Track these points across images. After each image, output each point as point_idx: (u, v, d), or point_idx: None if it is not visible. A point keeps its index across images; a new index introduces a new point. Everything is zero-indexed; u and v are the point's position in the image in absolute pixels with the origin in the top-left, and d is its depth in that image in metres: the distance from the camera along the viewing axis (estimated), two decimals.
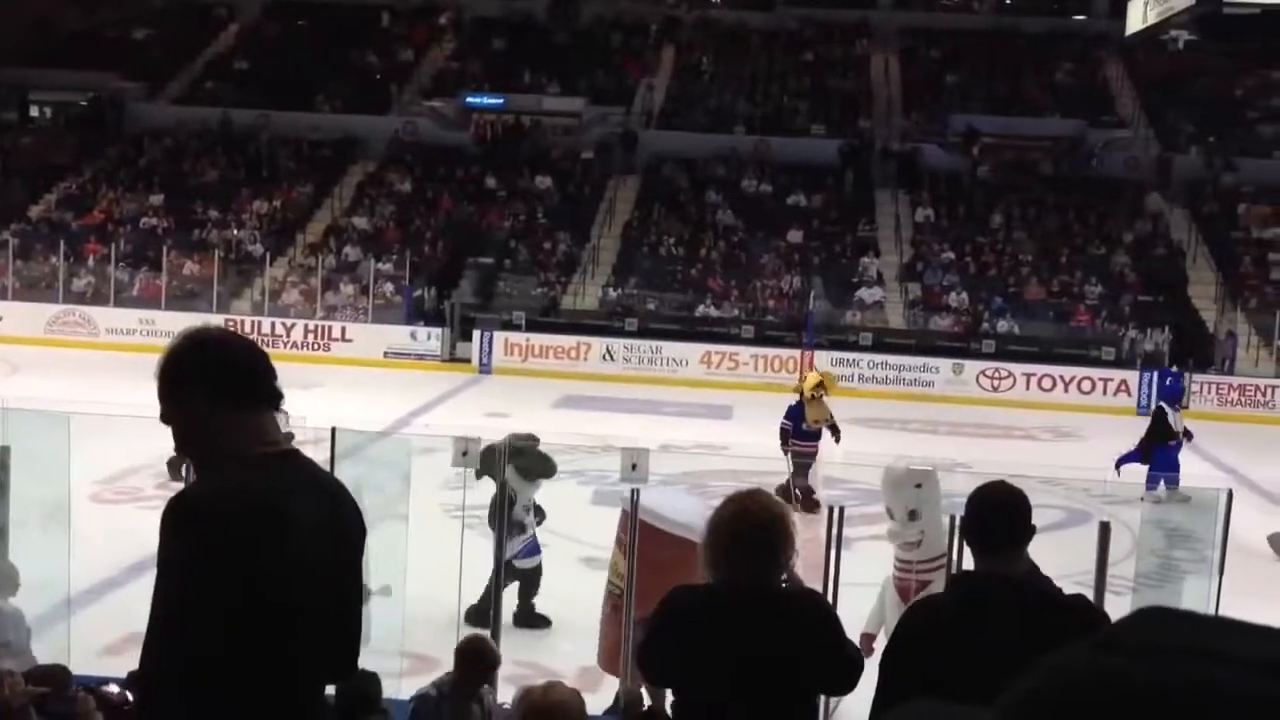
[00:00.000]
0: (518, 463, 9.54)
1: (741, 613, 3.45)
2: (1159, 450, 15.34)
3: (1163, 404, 16.23)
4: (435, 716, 5.79)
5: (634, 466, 9.83)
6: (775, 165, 31.82)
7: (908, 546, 8.16)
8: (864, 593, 8.19)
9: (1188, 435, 15.77)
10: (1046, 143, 33.14)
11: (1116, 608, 8.10)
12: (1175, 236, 29.70)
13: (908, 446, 17.96)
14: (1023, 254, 28.86)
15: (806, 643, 3.46)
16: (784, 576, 3.66)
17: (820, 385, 14.29)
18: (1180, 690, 0.57)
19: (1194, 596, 8.77)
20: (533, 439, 9.73)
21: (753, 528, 3.49)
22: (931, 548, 8.06)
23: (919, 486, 8.23)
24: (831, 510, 9.62)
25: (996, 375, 24.88)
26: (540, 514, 10.03)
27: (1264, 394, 24.60)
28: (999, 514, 3.45)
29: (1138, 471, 14.63)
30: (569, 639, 9.44)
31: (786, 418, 14.19)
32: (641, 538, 7.41)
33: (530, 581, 9.74)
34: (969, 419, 21.78)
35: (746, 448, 15.08)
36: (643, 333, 25.97)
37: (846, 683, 3.62)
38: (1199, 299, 27.77)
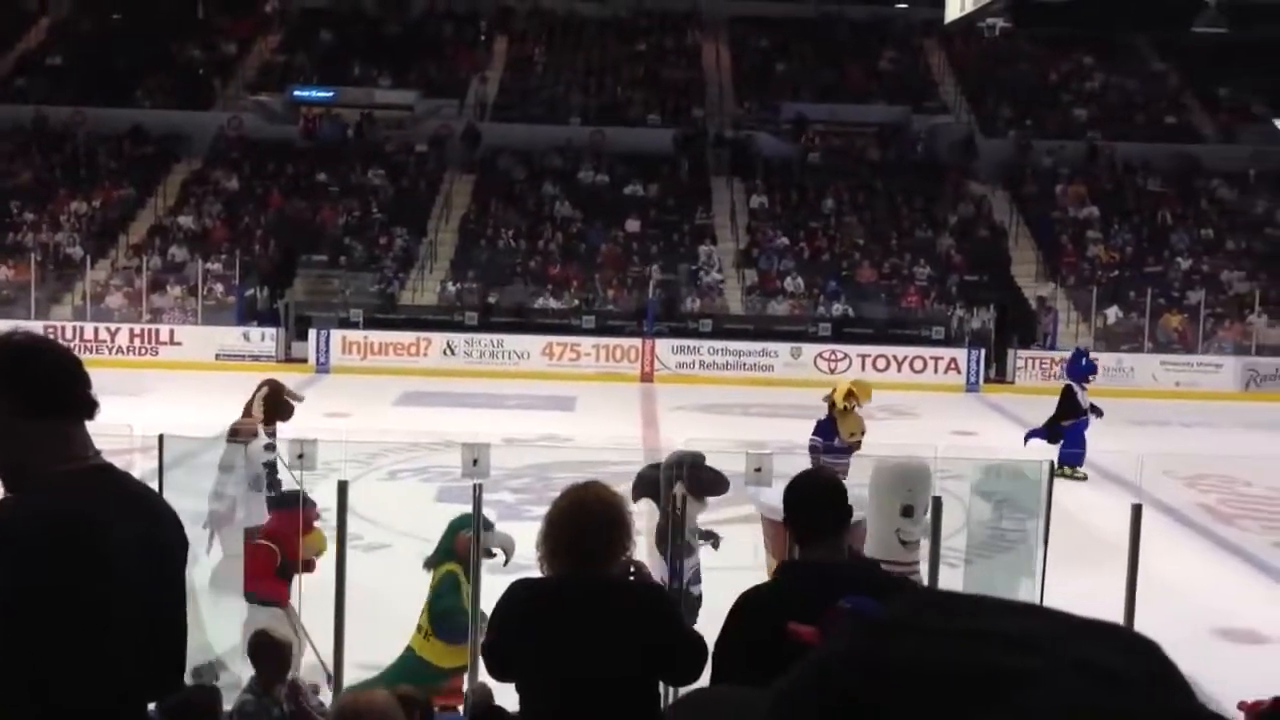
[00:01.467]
0: (688, 481, 9.21)
1: (579, 605, 3.46)
2: (1069, 428, 15.89)
3: (1072, 383, 16.61)
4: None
5: (475, 462, 9.72)
6: (612, 155, 31.93)
7: (912, 547, 8.03)
8: (711, 577, 8.25)
9: (1096, 412, 16.15)
10: (873, 129, 33.94)
11: (950, 579, 8.38)
12: (997, 218, 30.75)
13: (751, 431, 18.25)
14: (854, 238, 29.53)
15: (645, 633, 3.47)
16: (632, 569, 3.69)
17: (851, 394, 12.74)
18: (926, 667, 0.59)
19: (1021, 565, 9.11)
20: (699, 455, 9.21)
21: (588, 520, 3.50)
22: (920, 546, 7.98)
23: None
24: (675, 497, 9.72)
25: (833, 357, 25.40)
26: (712, 538, 9.21)
27: None
28: (820, 503, 3.52)
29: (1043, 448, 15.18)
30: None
31: (815, 433, 12.75)
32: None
33: (694, 610, 9.12)
34: (809, 401, 22.09)
35: (590, 438, 15.12)
36: (483, 326, 25.80)
37: (688, 673, 3.65)
38: (1021, 277, 28.81)
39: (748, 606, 3.41)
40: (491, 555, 7.51)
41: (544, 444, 16.23)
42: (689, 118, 33.86)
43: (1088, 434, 15.80)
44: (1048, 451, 15.43)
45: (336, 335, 25.29)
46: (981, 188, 31.47)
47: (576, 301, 27.10)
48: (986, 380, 25.33)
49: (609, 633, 3.43)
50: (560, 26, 37.25)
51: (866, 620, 0.65)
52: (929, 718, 0.56)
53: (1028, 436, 15.98)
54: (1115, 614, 7.92)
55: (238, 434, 9.68)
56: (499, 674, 3.72)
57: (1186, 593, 9.38)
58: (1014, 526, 9.38)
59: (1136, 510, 8.10)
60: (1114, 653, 0.60)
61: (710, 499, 8.93)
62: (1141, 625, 8.32)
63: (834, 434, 12.43)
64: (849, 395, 12.65)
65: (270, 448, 9.62)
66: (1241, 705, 6.21)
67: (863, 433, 12.54)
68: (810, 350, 25.44)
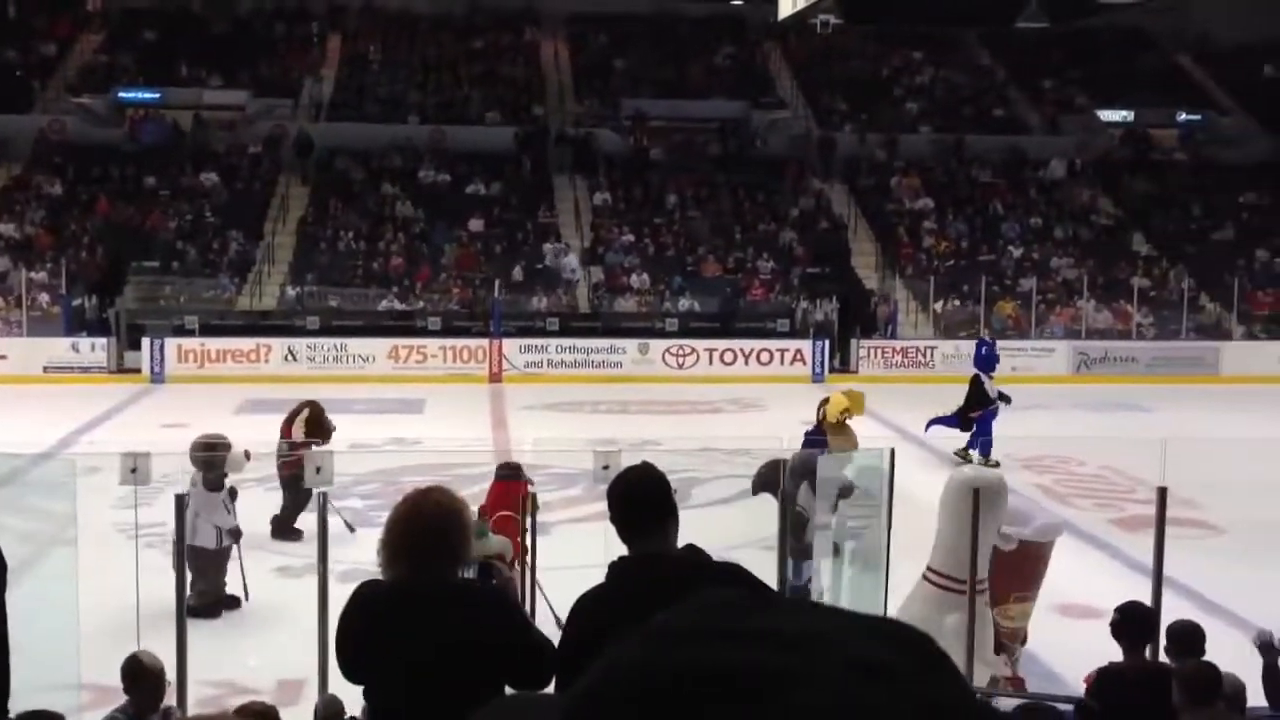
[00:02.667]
0: (812, 479, 9.22)
1: (420, 610, 3.43)
2: (979, 417, 16.14)
3: (979, 372, 16.83)
4: None
5: (319, 470, 9.51)
6: (452, 154, 31.58)
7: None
8: (564, 576, 8.15)
9: (1005, 399, 16.40)
10: (713, 124, 34.25)
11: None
12: (837, 211, 31.32)
13: (601, 428, 18.22)
14: (698, 233, 29.75)
15: (486, 637, 3.42)
16: (494, 575, 3.64)
17: (847, 410, 12.00)
18: (703, 671, 0.61)
19: (869, 551, 9.25)
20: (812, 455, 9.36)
21: (427, 524, 3.48)
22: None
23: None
24: (525, 497, 9.62)
25: (681, 352, 25.55)
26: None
27: (924, 355, 26.28)
28: (644, 499, 3.50)
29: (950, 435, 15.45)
30: (262, 652, 9.07)
31: (804, 446, 11.69)
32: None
33: None
34: (657, 397, 22.30)
35: (440, 441, 14.91)
36: (325, 331, 25.24)
37: (535, 677, 3.61)
38: (862, 269, 29.41)
39: (583, 609, 3.38)
40: None
41: (392, 449, 15.94)
42: (529, 115, 33.69)
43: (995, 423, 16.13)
44: (955, 439, 15.81)
45: (171, 344, 24.44)
46: (820, 183, 32.02)
47: (422, 303, 26.71)
48: (831, 370, 25.74)
49: (449, 636, 3.38)
50: (395, 24, 36.66)
51: (655, 627, 0.66)
52: None
53: (930, 423, 16.24)
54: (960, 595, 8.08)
55: (214, 449, 9.93)
56: (348, 675, 3.67)
57: None
58: (860, 512, 9.53)
59: (975, 494, 8.30)
60: (886, 648, 0.62)
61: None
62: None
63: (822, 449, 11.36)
64: (845, 410, 11.91)
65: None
66: (1086, 679, 6.40)
67: (856, 449, 11.50)
68: (658, 346, 25.54)
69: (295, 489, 11.26)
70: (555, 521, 11.25)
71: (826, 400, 12.19)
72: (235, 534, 10.03)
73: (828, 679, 0.59)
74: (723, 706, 0.58)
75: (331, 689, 6.12)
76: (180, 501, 7.61)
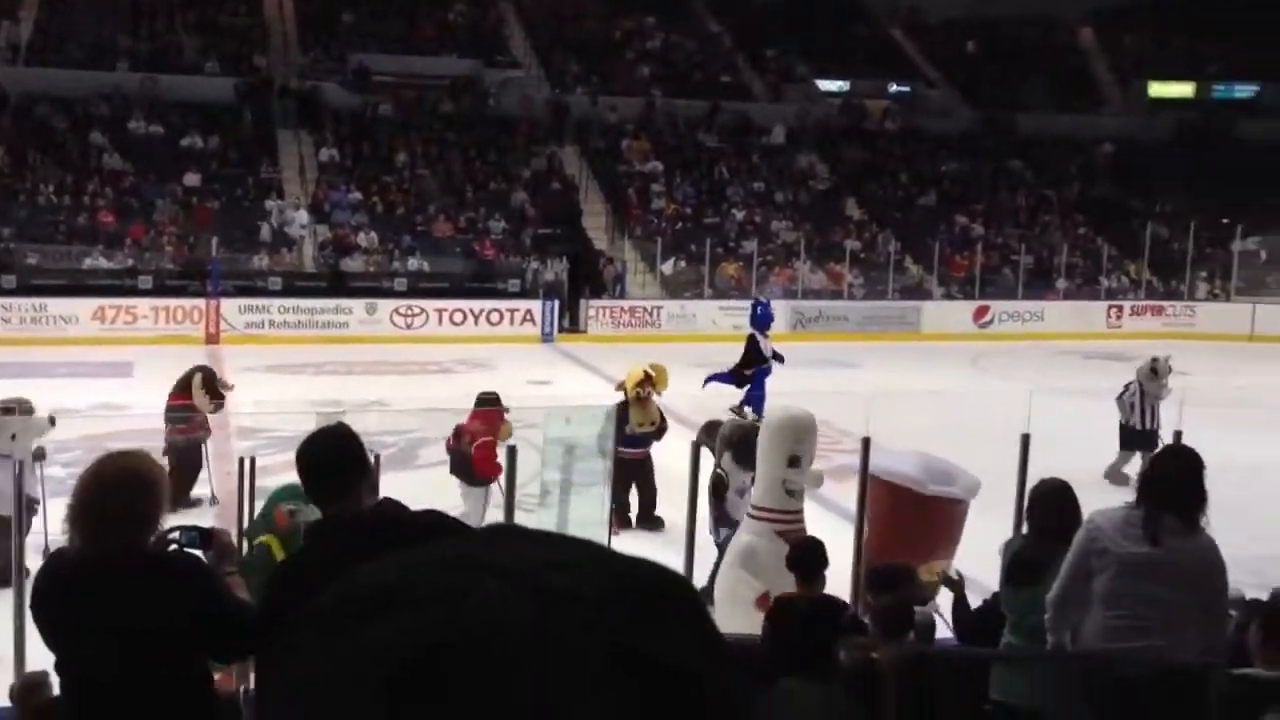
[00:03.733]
0: (736, 450, 9.14)
1: (103, 580, 3.31)
2: (754, 375, 16.29)
3: (754, 331, 16.98)
4: None
5: (14, 437, 9.00)
6: (166, 104, 30.03)
7: (798, 496, 8.12)
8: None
9: (778, 359, 16.60)
10: (445, 82, 33.78)
11: (526, 523, 8.51)
12: (569, 172, 31.46)
13: (325, 391, 17.81)
14: (428, 192, 29.34)
15: (178, 607, 3.31)
16: (213, 544, 3.54)
17: (646, 382, 11.78)
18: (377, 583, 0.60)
19: (592, 503, 9.39)
20: (753, 425, 9.27)
21: (111, 490, 3.37)
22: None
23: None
24: (244, 460, 9.31)
25: (410, 312, 25.21)
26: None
27: (650, 314, 26.80)
28: (334, 459, 3.46)
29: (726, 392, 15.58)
30: None
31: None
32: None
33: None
34: (385, 357, 21.96)
35: (151, 406, 14.26)
36: (23, 290, 23.67)
37: (231, 648, 3.53)
38: (592, 230, 29.67)
39: (282, 575, 3.31)
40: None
41: (98, 413, 15.13)
42: (250, 66, 32.37)
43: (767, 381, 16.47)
44: (731, 396, 16.07)
45: None
46: (552, 144, 32.07)
47: (131, 261, 25.35)
48: (561, 330, 25.95)
49: (133, 607, 3.27)
50: None
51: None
52: (341, 620, 0.56)
53: (708, 380, 16.42)
54: (680, 543, 8.30)
55: (9, 411, 9.47)
56: (47, 642, 3.52)
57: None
58: (585, 467, 9.65)
59: (695, 448, 8.54)
60: (575, 577, 0.60)
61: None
62: (704, 554, 8.80)
63: (625, 421, 11.21)
64: (643, 383, 11.74)
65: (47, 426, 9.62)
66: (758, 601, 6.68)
67: (654, 424, 11.63)
68: (386, 306, 25.13)
69: (190, 454, 11.62)
70: (274, 486, 10.93)
71: (628, 375, 12.13)
72: (30, 502, 9.35)
73: (496, 594, 0.57)
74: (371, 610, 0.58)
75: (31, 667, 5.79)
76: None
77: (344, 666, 0.57)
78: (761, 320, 17.37)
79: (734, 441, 9.41)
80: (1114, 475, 12.54)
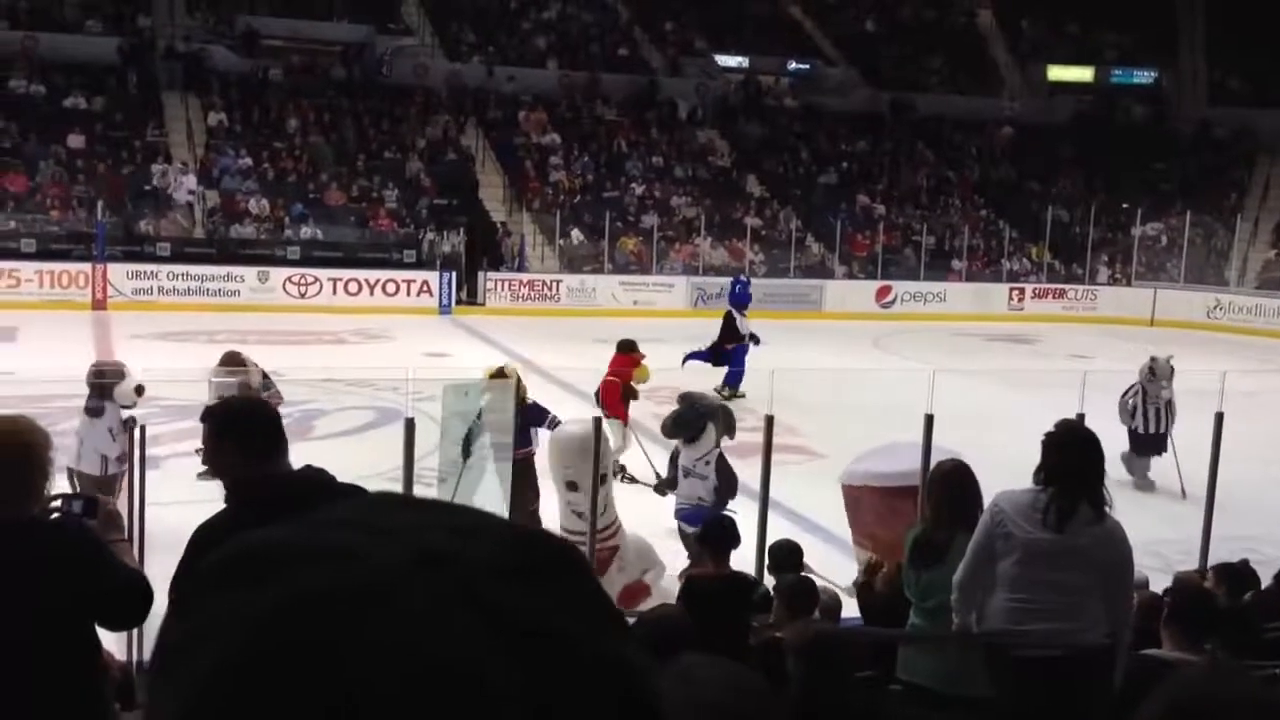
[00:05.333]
0: (714, 421, 9.42)
1: None
2: (731, 351, 16.10)
3: (731, 309, 16.96)
4: None
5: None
6: (46, 64, 29.01)
7: (586, 517, 8.17)
8: (172, 511, 7.74)
9: (754, 339, 16.49)
10: (337, 47, 33.12)
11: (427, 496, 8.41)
12: (465, 142, 31.10)
13: (217, 359, 17.40)
14: (321, 159, 28.79)
15: (67, 577, 3.22)
16: (96, 511, 3.44)
17: (499, 379, 9.99)
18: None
19: (490, 478, 9.31)
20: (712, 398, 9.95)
21: None
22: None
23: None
24: (133, 428, 9.06)
25: (303, 281, 24.78)
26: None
27: (550, 288, 26.67)
28: (256, 424, 3.43)
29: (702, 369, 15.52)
30: None
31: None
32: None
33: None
34: (278, 327, 21.55)
35: (34, 371, 13.82)
36: None
37: (127, 615, 3.46)
38: (490, 201, 29.41)
39: (203, 536, 3.20)
40: None
41: None
42: (134, 26, 31.40)
43: (747, 358, 16.42)
44: (712, 374, 16.00)
45: None
46: (448, 113, 31.66)
47: (13, 223, 24.50)
48: (458, 303, 25.71)
49: (19, 574, 3.18)
50: None
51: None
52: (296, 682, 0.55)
53: (687, 358, 16.31)
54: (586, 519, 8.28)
55: (103, 375, 9.42)
56: None
57: (653, 495, 9.99)
58: (484, 443, 9.55)
59: (597, 422, 8.50)
60: (460, 540, 0.60)
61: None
62: (629, 525, 8.81)
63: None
64: (498, 374, 10.13)
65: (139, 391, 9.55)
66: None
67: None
68: (278, 274, 24.67)
69: None
70: (165, 456, 10.66)
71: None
72: (121, 460, 9.13)
73: (390, 569, 0.57)
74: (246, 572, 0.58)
75: None
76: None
77: (219, 625, 0.57)
78: (740, 298, 17.48)
79: (666, 424, 9.59)
80: (1140, 485, 12.25)
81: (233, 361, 10.81)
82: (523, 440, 10.31)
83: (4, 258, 23.29)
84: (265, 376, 10.83)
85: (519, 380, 10.14)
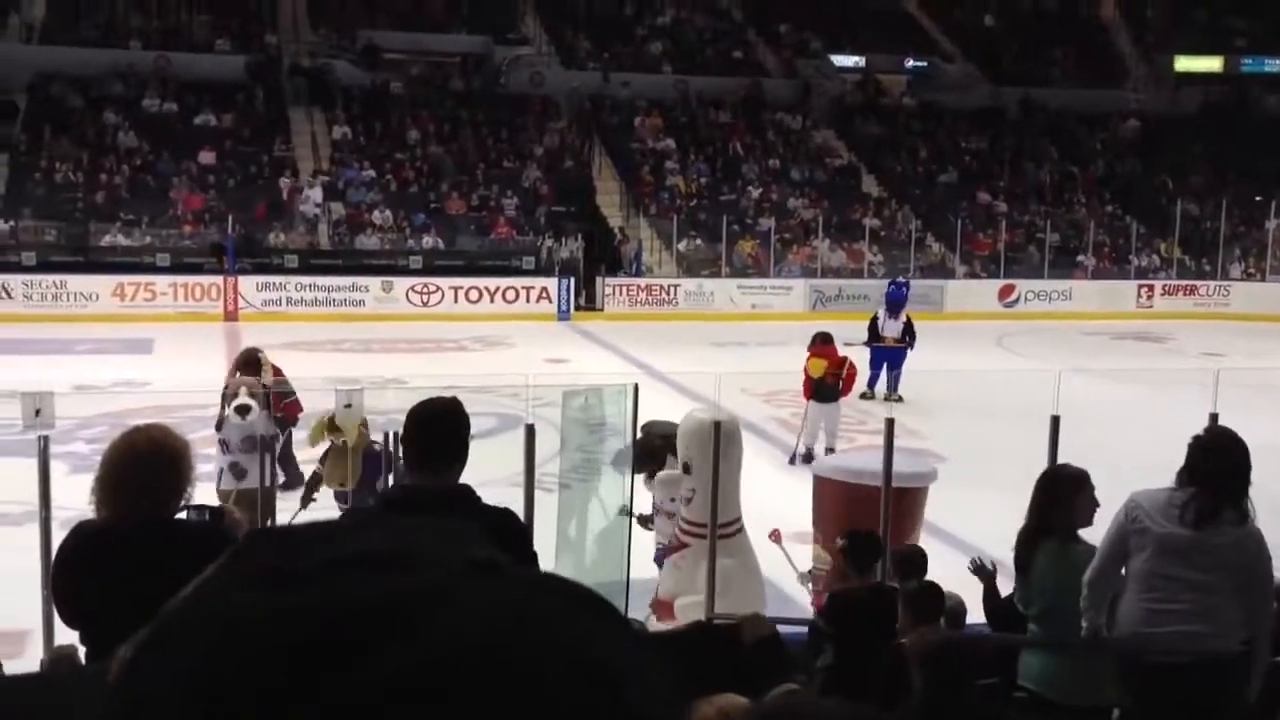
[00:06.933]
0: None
1: (130, 549, 3.33)
2: (875, 352, 16.19)
3: (879, 311, 16.92)
4: None
5: (38, 412, 8.90)
6: (178, 83, 29.99)
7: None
8: (303, 518, 7.94)
9: (906, 341, 16.28)
10: (455, 59, 33.65)
11: (547, 504, 8.48)
12: (581, 149, 31.32)
13: (343, 368, 17.80)
14: (441, 170, 29.27)
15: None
16: (225, 519, 3.52)
17: (334, 431, 9.29)
18: (327, 612, 0.54)
19: (612, 484, 9.35)
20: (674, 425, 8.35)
21: (138, 461, 3.42)
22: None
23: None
24: (263, 436, 9.31)
25: (425, 290, 25.19)
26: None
27: (667, 293, 26.72)
28: (435, 430, 3.47)
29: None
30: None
31: None
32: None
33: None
34: (401, 335, 21.95)
35: (171, 381, 14.29)
36: (43, 267, 23.73)
37: None
38: (606, 207, 29.58)
39: None
40: None
41: (119, 389, 15.15)
42: (261, 44, 32.30)
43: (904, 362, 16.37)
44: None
45: None
46: (564, 120, 31.95)
47: (149, 238, 25.38)
48: (577, 308, 25.90)
49: (160, 576, 3.22)
50: None
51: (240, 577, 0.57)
52: (350, 669, 0.51)
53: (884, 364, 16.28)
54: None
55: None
56: (68, 620, 3.60)
57: (765, 499, 9.92)
58: (606, 450, 9.59)
59: (716, 426, 8.46)
60: (480, 546, 0.60)
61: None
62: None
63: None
64: (330, 429, 9.26)
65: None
66: (814, 603, 6.65)
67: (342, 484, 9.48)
68: (402, 284, 25.11)
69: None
70: (299, 461, 10.94)
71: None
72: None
73: (468, 587, 0.55)
74: (368, 644, 0.52)
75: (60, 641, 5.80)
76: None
77: (268, 624, 0.53)
78: (889, 299, 17.11)
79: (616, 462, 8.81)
80: None
81: (249, 361, 10.12)
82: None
83: (141, 271, 24.10)
84: (278, 373, 10.37)
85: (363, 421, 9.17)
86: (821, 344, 13.18)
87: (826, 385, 12.85)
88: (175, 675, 0.53)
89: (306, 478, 9.73)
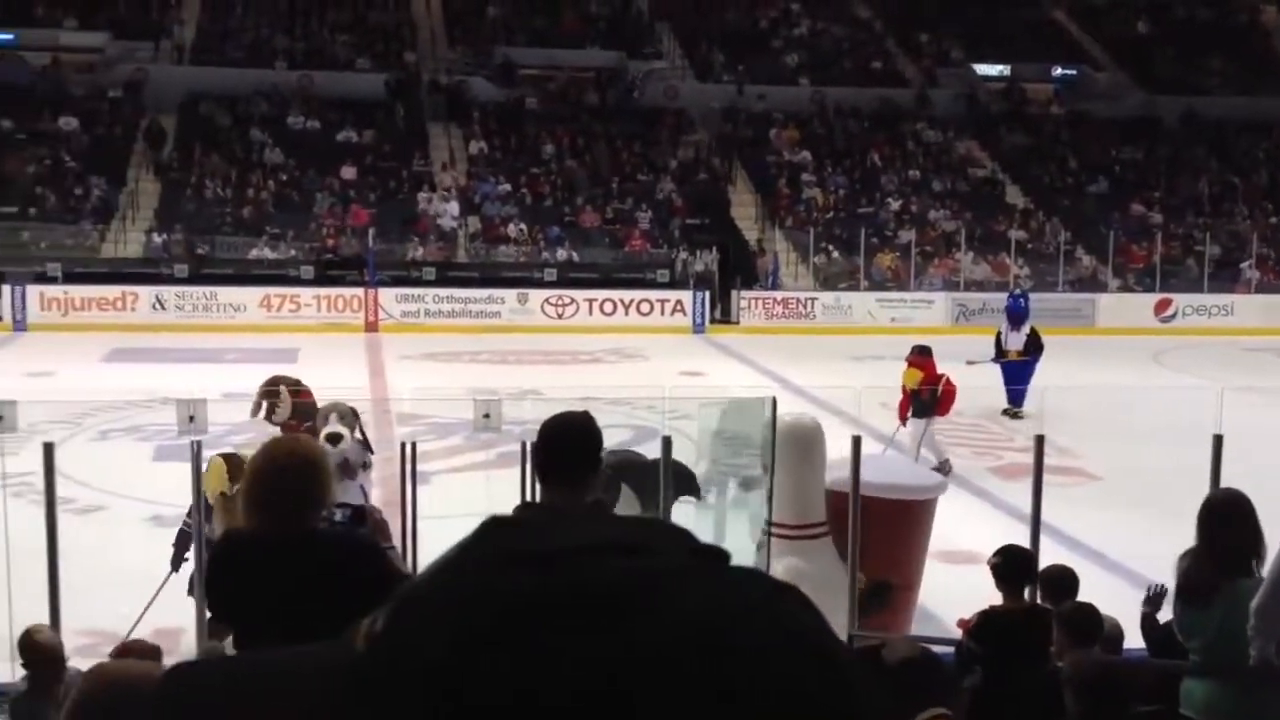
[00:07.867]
0: (630, 481, 8.22)
1: (279, 557, 3.39)
2: (1003, 368, 15.94)
3: (1002, 325, 16.67)
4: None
5: (192, 418, 9.15)
6: (321, 101, 30.77)
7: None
8: (442, 525, 7.94)
9: (1029, 353, 15.99)
10: (589, 74, 33.89)
11: (683, 516, 8.39)
12: (716, 162, 31.24)
13: (480, 379, 17.97)
14: (575, 183, 29.47)
15: (347, 585, 3.31)
16: (365, 521, 3.51)
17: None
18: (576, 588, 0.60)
19: (752, 497, 9.21)
20: (632, 454, 8.52)
21: (281, 472, 3.46)
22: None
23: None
24: (404, 445, 9.38)
25: (560, 302, 25.33)
26: None
27: (804, 306, 26.41)
28: (566, 446, 3.46)
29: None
30: (140, 601, 8.73)
31: None
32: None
33: None
34: (537, 347, 22.10)
35: (315, 390, 14.53)
36: (194, 279, 24.50)
37: None
38: (741, 220, 29.42)
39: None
40: None
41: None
42: (400, 62, 32.96)
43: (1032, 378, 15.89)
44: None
45: (33, 291, 23.69)
46: (698, 133, 31.90)
47: (294, 251, 26.05)
48: (712, 321, 25.78)
49: (307, 583, 3.33)
50: None
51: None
52: (594, 630, 0.57)
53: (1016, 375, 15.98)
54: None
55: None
56: (218, 620, 3.80)
57: None
58: (745, 460, 9.46)
59: (856, 441, 8.27)
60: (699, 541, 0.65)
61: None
62: None
63: None
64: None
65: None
66: (960, 623, 6.43)
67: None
68: (537, 296, 25.29)
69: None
70: (434, 471, 11.03)
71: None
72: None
73: (693, 570, 0.61)
74: (611, 615, 0.57)
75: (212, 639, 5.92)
76: (49, 450, 7.21)
77: (462, 599, 0.59)
78: (1009, 312, 16.75)
79: (619, 470, 8.30)
80: None
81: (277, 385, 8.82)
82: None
83: (286, 284, 24.72)
84: (305, 394, 8.77)
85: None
86: (919, 355, 12.89)
87: (921, 400, 12.44)
88: (441, 632, 0.58)
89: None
